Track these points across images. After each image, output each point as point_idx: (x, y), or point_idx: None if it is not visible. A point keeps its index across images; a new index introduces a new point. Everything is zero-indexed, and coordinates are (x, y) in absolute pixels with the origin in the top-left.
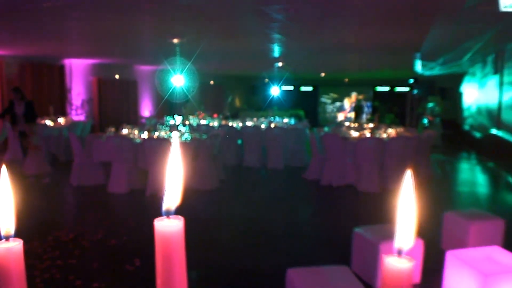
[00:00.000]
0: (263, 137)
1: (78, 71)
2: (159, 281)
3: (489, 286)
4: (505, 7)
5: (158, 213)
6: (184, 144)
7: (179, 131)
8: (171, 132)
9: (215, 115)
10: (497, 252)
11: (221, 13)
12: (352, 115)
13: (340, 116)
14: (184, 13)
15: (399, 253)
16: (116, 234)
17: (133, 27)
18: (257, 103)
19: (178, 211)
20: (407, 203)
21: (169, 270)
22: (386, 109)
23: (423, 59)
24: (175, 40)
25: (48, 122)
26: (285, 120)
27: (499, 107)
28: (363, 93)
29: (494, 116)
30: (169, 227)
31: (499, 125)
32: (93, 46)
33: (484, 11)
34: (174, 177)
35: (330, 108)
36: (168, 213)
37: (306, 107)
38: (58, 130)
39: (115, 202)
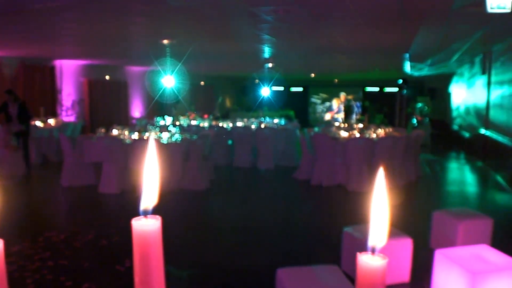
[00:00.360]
0: (253, 138)
1: (69, 72)
2: (137, 279)
3: (477, 284)
4: (492, 8)
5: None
6: (175, 145)
7: (170, 131)
8: (162, 132)
9: (206, 116)
10: (485, 251)
11: (211, 14)
12: (340, 115)
13: (327, 116)
14: (174, 15)
15: (373, 251)
16: (107, 234)
17: (123, 28)
18: (247, 104)
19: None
20: (380, 202)
21: (147, 269)
22: (375, 109)
23: (411, 60)
24: (165, 41)
25: (39, 123)
26: (276, 120)
27: (487, 107)
28: (353, 94)
29: (482, 116)
30: (146, 227)
31: (487, 124)
32: (84, 47)
33: (471, 13)
34: (151, 177)
35: (320, 108)
36: (145, 213)
37: (296, 107)
38: (48, 131)
39: (106, 202)
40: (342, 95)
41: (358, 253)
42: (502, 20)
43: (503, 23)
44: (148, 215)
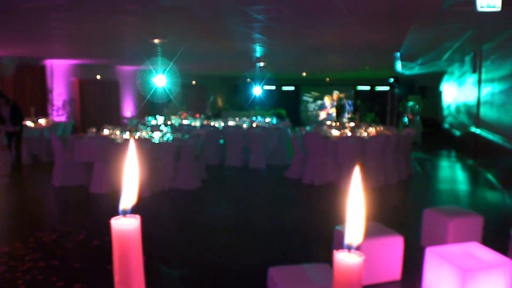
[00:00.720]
0: (245, 137)
1: (60, 71)
2: (116, 278)
3: (468, 281)
4: (482, 7)
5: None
6: (166, 144)
7: (161, 131)
8: (153, 132)
9: (198, 115)
10: (475, 248)
11: (202, 13)
12: (333, 111)
13: (322, 115)
14: (165, 14)
15: (349, 248)
16: (98, 234)
17: (114, 27)
18: (239, 103)
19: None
20: (356, 200)
21: (126, 268)
22: (367, 108)
23: (403, 60)
24: (156, 41)
25: (29, 123)
26: (267, 119)
27: (478, 105)
28: (345, 92)
29: (473, 114)
30: (125, 226)
31: (478, 123)
32: (74, 46)
33: (461, 12)
34: (130, 177)
35: (312, 106)
36: (124, 212)
37: (288, 106)
38: (39, 131)
39: (97, 202)
40: (335, 93)
41: (335, 251)
42: (492, 18)
43: (493, 22)
44: (127, 215)
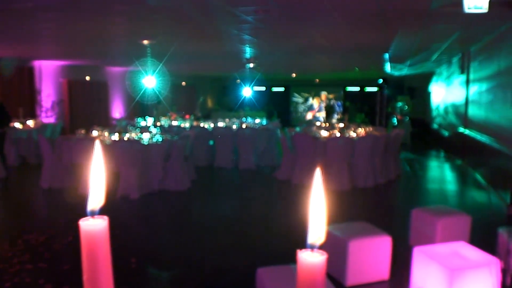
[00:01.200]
0: (234, 138)
1: (48, 72)
2: (85, 276)
3: (455, 280)
4: (469, 8)
5: (128, 215)
6: (156, 146)
7: (150, 132)
8: (142, 133)
9: (187, 116)
10: (463, 248)
11: (191, 14)
12: (321, 114)
13: (309, 116)
14: (153, 15)
15: (312, 247)
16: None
17: (103, 28)
18: (229, 104)
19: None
20: (317, 201)
21: (95, 267)
22: (356, 108)
23: (391, 61)
24: (146, 42)
25: (17, 125)
26: (257, 120)
27: (466, 106)
28: (334, 93)
29: (461, 114)
30: (93, 226)
31: (466, 123)
32: (63, 47)
33: (449, 13)
34: (97, 178)
35: (302, 107)
36: (92, 213)
37: (278, 107)
38: (27, 133)
39: (86, 204)
40: (323, 94)
41: (298, 250)
42: (479, 20)
43: (480, 23)
44: (95, 215)
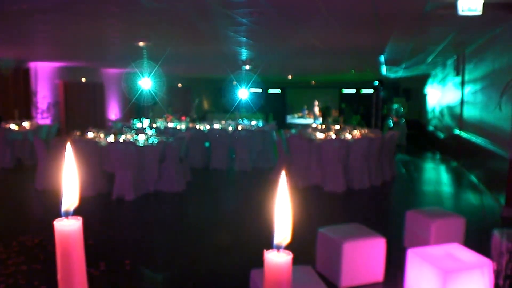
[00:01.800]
0: (230, 140)
1: (44, 74)
2: (59, 275)
3: (449, 282)
4: (463, 11)
5: (123, 216)
6: (151, 147)
7: (146, 134)
8: (138, 135)
9: (183, 118)
10: (456, 249)
11: (186, 16)
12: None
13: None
14: (149, 17)
15: (278, 248)
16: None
17: (98, 30)
18: (225, 106)
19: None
20: (282, 202)
21: (69, 266)
22: (352, 110)
23: (387, 64)
24: (141, 43)
25: (13, 126)
26: (253, 122)
27: (461, 108)
28: (330, 95)
29: (456, 117)
30: (67, 227)
31: (461, 125)
32: (59, 49)
33: (443, 15)
34: (71, 179)
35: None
36: (67, 214)
37: (274, 109)
38: (23, 134)
39: (81, 205)
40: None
41: (265, 251)
42: (473, 22)
43: (474, 25)
44: (69, 216)
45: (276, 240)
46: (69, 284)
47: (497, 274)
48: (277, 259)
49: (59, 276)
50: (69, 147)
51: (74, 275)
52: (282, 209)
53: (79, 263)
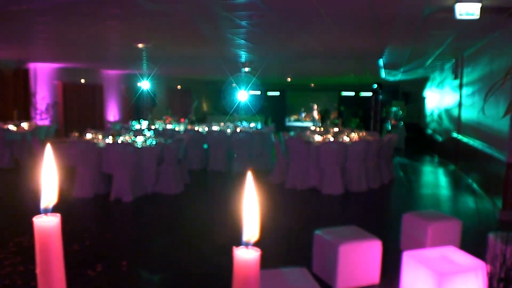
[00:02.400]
0: (228, 142)
1: (43, 75)
2: (38, 270)
3: (443, 284)
4: (461, 15)
5: (121, 218)
6: (149, 149)
7: (144, 135)
8: (136, 136)
9: (182, 120)
10: (452, 252)
11: (186, 19)
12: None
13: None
14: (148, 19)
15: (247, 245)
16: (78, 239)
17: (98, 32)
18: (224, 108)
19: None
20: (250, 200)
21: (47, 260)
22: (351, 113)
23: (386, 68)
24: (140, 45)
25: (12, 127)
26: (252, 124)
27: (459, 112)
28: (329, 98)
29: (455, 120)
30: (46, 223)
31: (459, 128)
32: (58, 50)
33: (441, 19)
34: (49, 177)
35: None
36: (46, 211)
37: (273, 111)
38: (21, 135)
39: (78, 206)
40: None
41: (234, 247)
42: (471, 26)
43: (472, 29)
44: (48, 213)
45: (245, 238)
46: (47, 278)
47: (491, 276)
48: (246, 255)
49: (37, 270)
50: (48, 148)
51: (52, 269)
52: (250, 208)
53: (57, 258)
